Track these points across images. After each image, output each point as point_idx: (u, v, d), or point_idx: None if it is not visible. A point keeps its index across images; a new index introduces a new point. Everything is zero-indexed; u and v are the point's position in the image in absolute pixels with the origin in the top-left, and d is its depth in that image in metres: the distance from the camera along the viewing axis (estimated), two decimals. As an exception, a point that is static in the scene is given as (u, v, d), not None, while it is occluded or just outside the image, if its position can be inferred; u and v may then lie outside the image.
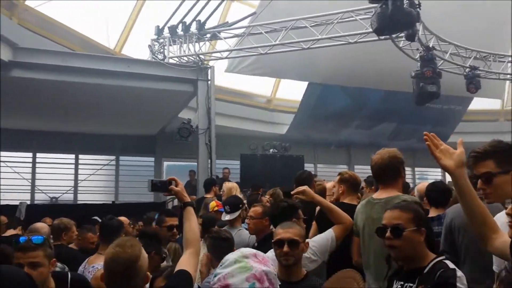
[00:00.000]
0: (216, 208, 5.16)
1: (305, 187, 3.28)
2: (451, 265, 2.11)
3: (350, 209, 3.51)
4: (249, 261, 1.53)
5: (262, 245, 3.66)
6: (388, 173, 3.06)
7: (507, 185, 2.04)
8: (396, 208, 2.30)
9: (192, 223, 2.47)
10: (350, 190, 3.86)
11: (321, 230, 3.43)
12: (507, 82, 11.33)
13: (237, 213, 4.46)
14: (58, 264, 3.21)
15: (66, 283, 2.57)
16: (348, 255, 3.31)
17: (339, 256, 3.18)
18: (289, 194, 5.29)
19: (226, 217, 4.50)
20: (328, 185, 4.75)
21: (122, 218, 4.83)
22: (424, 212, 2.63)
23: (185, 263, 2.26)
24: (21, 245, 2.46)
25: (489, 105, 14.66)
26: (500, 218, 2.08)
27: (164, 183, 2.56)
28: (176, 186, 2.52)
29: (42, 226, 3.81)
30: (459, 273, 2.04)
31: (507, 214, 1.69)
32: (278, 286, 1.56)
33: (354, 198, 3.85)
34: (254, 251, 1.62)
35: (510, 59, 10.35)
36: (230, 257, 1.58)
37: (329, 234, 3.14)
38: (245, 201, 5.33)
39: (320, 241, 3.12)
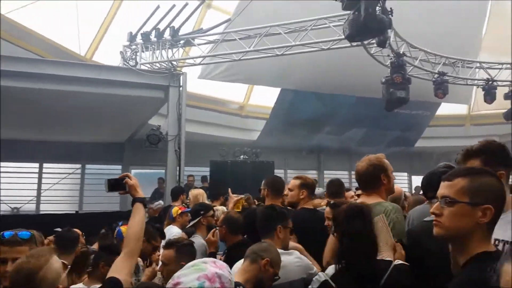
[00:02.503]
0: (179, 211, 5.12)
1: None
2: None
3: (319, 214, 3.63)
4: (205, 265, 1.58)
5: (231, 252, 3.65)
6: (368, 181, 3.06)
7: None
8: None
9: (136, 220, 2.33)
10: (310, 196, 3.93)
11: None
12: (474, 87, 11.66)
13: (195, 220, 4.50)
14: None
15: None
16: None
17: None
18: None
19: (189, 224, 4.59)
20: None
21: (75, 230, 4.69)
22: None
23: (118, 268, 2.17)
24: (7, 240, 2.40)
25: (456, 110, 15.03)
26: None
27: (119, 180, 2.45)
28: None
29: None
30: None
31: (431, 213, 1.75)
32: None
33: (310, 204, 3.91)
34: (215, 259, 1.69)
35: (478, 65, 10.64)
36: (189, 263, 1.65)
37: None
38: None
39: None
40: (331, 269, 2.41)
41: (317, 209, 4.10)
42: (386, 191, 3.10)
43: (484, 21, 12.00)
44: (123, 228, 4.89)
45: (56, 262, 2.08)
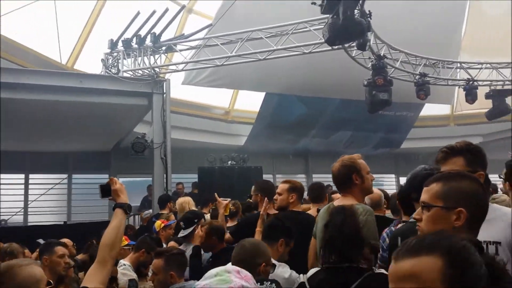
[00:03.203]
0: (162, 225, 5.12)
1: None
2: None
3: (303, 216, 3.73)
4: (230, 275, 1.53)
5: (217, 258, 3.71)
6: (341, 181, 3.13)
7: None
8: None
9: (111, 226, 2.26)
10: (299, 200, 4.00)
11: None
12: (456, 87, 11.79)
13: (191, 229, 4.43)
14: None
15: None
16: (305, 260, 3.32)
17: (296, 260, 3.18)
18: (249, 209, 5.38)
19: (180, 234, 4.51)
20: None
21: (66, 240, 4.73)
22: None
23: (90, 277, 2.14)
24: None
25: (439, 111, 15.16)
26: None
27: (107, 185, 2.42)
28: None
29: None
30: None
31: (414, 218, 1.80)
32: None
33: (300, 207, 3.99)
34: (238, 268, 1.62)
35: (458, 65, 10.76)
36: (211, 271, 1.59)
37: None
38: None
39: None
40: (311, 271, 2.45)
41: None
42: (361, 191, 3.14)
43: (463, 22, 12.15)
44: None
45: (36, 271, 2.10)
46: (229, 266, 1.67)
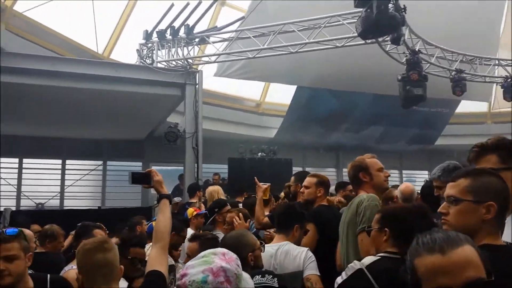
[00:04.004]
0: (195, 213, 5.21)
1: None
2: None
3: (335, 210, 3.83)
4: (214, 257, 1.60)
5: None
6: (352, 181, 3.34)
7: (508, 182, 1.95)
8: None
9: (165, 215, 2.47)
10: (326, 194, 4.04)
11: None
12: (494, 84, 11.45)
13: (210, 219, 4.68)
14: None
15: (46, 284, 2.57)
16: (330, 262, 3.38)
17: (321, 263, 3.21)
18: (277, 198, 5.43)
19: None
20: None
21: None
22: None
23: (156, 261, 2.26)
24: None
25: (476, 108, 14.79)
26: None
27: (144, 175, 2.59)
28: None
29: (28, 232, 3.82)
30: None
31: (439, 211, 1.80)
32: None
33: (326, 201, 3.99)
34: (226, 250, 1.70)
35: (496, 62, 10.45)
36: (202, 252, 1.68)
37: None
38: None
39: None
40: (368, 259, 2.38)
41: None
42: (373, 187, 3.21)
43: (501, 18, 11.77)
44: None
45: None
46: (219, 248, 1.74)
